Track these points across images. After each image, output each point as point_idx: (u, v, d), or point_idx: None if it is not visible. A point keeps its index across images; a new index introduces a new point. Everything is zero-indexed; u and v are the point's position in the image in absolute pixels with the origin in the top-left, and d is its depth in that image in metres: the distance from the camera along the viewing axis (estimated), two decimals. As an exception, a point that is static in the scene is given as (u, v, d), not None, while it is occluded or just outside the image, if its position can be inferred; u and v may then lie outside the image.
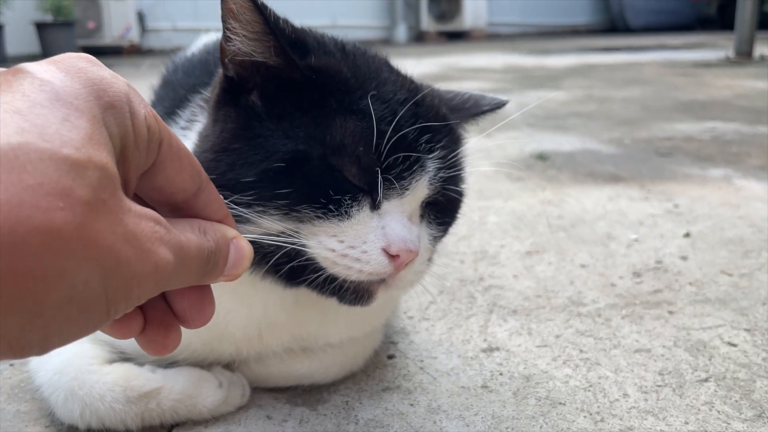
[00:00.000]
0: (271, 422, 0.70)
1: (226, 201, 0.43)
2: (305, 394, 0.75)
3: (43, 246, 0.26)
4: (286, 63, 0.57)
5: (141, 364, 0.69)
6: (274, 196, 0.54)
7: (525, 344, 0.86)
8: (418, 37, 8.57)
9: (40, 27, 5.94)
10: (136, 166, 0.34)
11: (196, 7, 7.04)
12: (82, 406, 0.64)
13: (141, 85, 0.65)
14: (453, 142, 0.63)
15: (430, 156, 0.59)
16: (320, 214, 0.55)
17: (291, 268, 0.59)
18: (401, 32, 8.55)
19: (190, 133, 0.66)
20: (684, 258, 1.13)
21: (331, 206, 0.55)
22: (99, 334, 0.72)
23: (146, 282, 0.31)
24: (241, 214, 0.54)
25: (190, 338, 0.66)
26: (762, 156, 1.87)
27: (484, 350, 0.84)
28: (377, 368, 0.81)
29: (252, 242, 0.42)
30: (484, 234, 1.28)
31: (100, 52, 5.80)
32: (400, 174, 0.56)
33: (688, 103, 2.90)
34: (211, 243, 0.37)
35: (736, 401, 0.71)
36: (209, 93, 0.66)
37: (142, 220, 0.31)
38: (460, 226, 0.89)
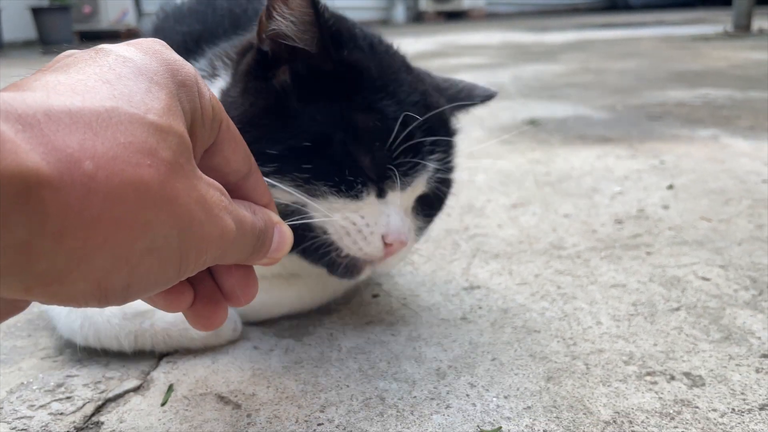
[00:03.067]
0: (258, 352, 0.73)
1: None
2: (292, 328, 0.78)
3: (133, 197, 0.28)
4: (323, 54, 0.61)
5: None
6: (295, 170, 0.59)
7: (505, 283, 0.88)
8: (417, 17, 8.54)
9: (37, 12, 5.93)
10: (201, 143, 0.37)
11: (193, -9, 7.00)
12: (83, 318, 0.69)
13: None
14: (450, 144, 0.69)
15: (432, 157, 0.65)
16: (333, 192, 0.60)
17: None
18: (399, 12, 8.51)
19: (211, 86, 0.69)
20: (665, 207, 1.16)
21: (343, 186, 0.60)
22: None
23: (213, 246, 0.34)
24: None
25: None
26: (752, 118, 1.89)
27: (465, 288, 0.87)
28: (361, 305, 0.84)
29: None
30: (472, 190, 1.31)
31: (96, 37, 5.78)
32: (405, 171, 0.62)
33: (682, 72, 2.91)
34: (261, 223, 0.39)
35: (705, 326, 0.74)
36: (233, 52, 0.70)
37: (211, 188, 0.34)
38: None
